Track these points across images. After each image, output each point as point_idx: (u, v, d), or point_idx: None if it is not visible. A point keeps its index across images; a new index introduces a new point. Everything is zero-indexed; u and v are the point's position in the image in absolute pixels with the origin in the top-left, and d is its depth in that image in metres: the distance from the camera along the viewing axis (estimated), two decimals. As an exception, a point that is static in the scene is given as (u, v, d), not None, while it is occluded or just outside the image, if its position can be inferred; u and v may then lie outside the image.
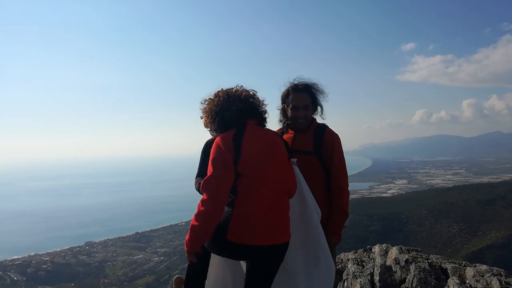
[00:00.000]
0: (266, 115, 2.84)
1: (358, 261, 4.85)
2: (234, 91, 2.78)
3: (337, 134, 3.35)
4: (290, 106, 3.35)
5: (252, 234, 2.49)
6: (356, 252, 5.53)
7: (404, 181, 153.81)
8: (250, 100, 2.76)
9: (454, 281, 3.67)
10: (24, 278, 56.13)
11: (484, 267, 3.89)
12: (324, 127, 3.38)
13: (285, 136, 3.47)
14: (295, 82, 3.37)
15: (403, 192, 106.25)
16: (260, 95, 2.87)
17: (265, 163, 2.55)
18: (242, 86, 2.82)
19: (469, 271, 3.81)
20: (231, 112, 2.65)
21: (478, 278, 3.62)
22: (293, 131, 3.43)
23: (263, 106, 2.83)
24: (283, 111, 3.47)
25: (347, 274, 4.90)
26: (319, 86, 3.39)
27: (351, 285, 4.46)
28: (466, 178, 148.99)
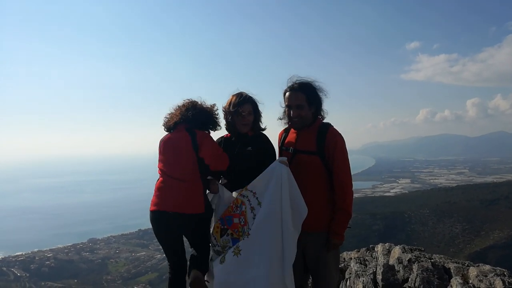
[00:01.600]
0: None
1: (361, 260, 4.85)
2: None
3: (340, 134, 3.31)
4: (285, 105, 3.38)
5: (156, 203, 3.34)
6: (358, 251, 5.53)
7: (408, 180, 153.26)
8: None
9: (457, 280, 3.66)
10: (28, 274, 56.34)
11: (487, 267, 3.88)
12: (327, 126, 3.33)
13: (288, 136, 3.48)
14: (291, 82, 3.36)
15: (406, 192, 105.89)
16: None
17: (161, 156, 3.47)
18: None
19: (472, 271, 3.81)
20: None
21: (481, 278, 3.61)
22: (295, 131, 3.43)
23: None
24: (285, 110, 3.46)
25: (350, 273, 4.90)
26: (317, 84, 3.35)
27: (354, 284, 4.46)
28: (470, 177, 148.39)
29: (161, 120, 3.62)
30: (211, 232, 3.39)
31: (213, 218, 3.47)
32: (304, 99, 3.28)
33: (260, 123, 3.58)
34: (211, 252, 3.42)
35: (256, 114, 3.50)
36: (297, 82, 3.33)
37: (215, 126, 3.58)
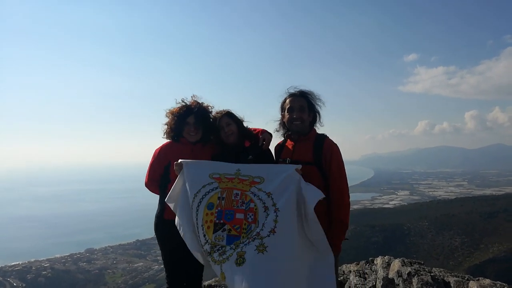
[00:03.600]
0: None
1: (360, 273, 4.83)
2: None
3: (336, 144, 3.35)
4: (286, 109, 3.43)
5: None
6: (358, 264, 5.50)
7: (406, 192, 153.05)
8: None
9: (457, 295, 3.65)
10: (24, 285, 55.87)
11: (487, 281, 3.87)
12: (323, 137, 3.39)
13: (285, 148, 3.54)
14: (292, 90, 3.47)
15: (405, 204, 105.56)
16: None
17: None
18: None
19: (472, 285, 3.80)
20: None
21: (481, 293, 3.60)
22: (292, 142, 3.48)
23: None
24: (282, 121, 3.53)
25: (349, 286, 4.87)
26: (315, 94, 3.46)
27: (353, 297, 4.43)
28: (469, 190, 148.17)
29: (160, 129, 3.72)
30: (195, 223, 3.02)
31: (180, 203, 3.23)
32: (305, 104, 3.39)
33: (246, 128, 3.66)
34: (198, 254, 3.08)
35: (236, 121, 3.60)
36: (297, 90, 3.44)
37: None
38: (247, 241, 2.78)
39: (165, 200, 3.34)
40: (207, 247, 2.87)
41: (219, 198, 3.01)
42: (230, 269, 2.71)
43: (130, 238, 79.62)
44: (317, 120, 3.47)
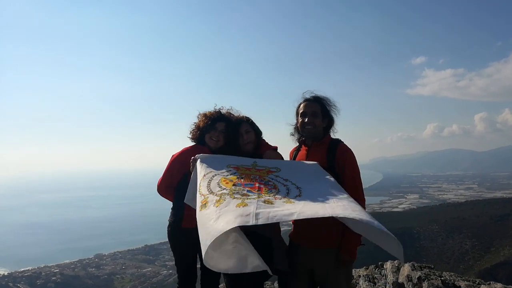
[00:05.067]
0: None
1: (370, 278, 4.77)
2: None
3: (350, 149, 3.32)
4: (300, 114, 3.43)
5: None
6: (367, 269, 5.45)
7: (416, 195, 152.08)
8: None
9: (469, 299, 3.59)
10: (34, 290, 56.23)
11: (499, 285, 3.81)
12: (337, 141, 3.37)
13: (299, 153, 3.52)
14: (307, 95, 3.46)
15: (415, 207, 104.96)
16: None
17: None
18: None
19: (484, 290, 3.74)
20: None
21: (494, 297, 3.54)
22: (306, 147, 3.47)
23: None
24: (296, 126, 3.52)
25: (358, 291, 4.81)
26: (330, 100, 3.44)
27: (363, 302, 4.38)
28: (479, 193, 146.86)
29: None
30: (208, 180, 2.93)
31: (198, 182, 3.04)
32: (319, 109, 3.38)
33: (262, 140, 3.68)
34: (199, 201, 2.75)
35: (255, 130, 3.63)
36: (312, 95, 3.44)
37: None
38: (273, 197, 2.63)
39: (184, 200, 3.24)
40: (223, 191, 2.70)
41: (238, 177, 2.96)
42: (254, 202, 2.50)
43: (139, 243, 79.94)
44: (332, 125, 3.46)
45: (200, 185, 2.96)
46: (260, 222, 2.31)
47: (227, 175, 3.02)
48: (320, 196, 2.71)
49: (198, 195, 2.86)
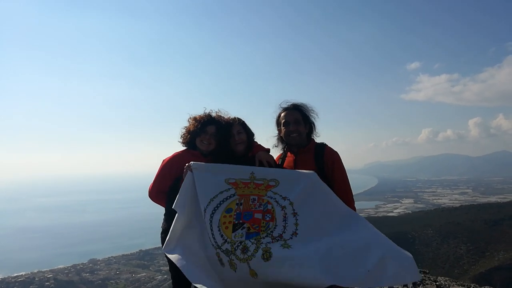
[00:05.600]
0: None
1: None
2: None
3: (336, 152, 3.38)
4: (282, 123, 3.48)
5: None
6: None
7: (411, 200, 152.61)
8: None
9: (462, 303, 3.61)
10: (27, 295, 55.72)
11: (492, 289, 3.83)
12: (323, 145, 3.42)
13: (286, 161, 3.55)
14: (284, 104, 3.54)
15: (410, 212, 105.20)
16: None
17: None
18: None
19: (478, 293, 3.76)
20: None
21: (487, 301, 3.56)
22: (293, 155, 3.50)
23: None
24: (279, 136, 3.57)
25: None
26: (308, 106, 3.52)
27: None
28: (473, 197, 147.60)
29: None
30: (209, 226, 2.96)
31: (189, 208, 3.16)
32: (300, 116, 3.45)
33: (253, 142, 3.68)
34: (213, 253, 2.94)
35: (247, 131, 3.63)
36: (290, 103, 3.52)
37: None
38: (270, 240, 2.74)
39: (173, 206, 3.21)
40: (227, 246, 2.81)
41: (237, 204, 3.01)
42: (259, 264, 2.67)
43: (133, 248, 79.43)
44: (313, 130, 3.53)
45: (204, 223, 3.01)
46: None
47: (227, 202, 3.03)
48: (316, 235, 2.78)
49: (207, 238, 2.98)
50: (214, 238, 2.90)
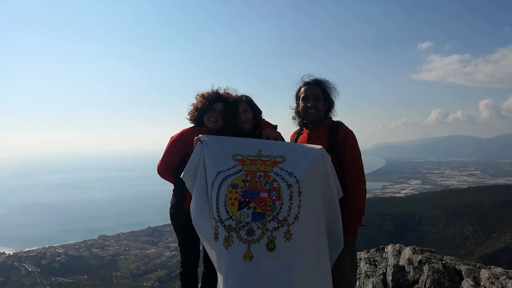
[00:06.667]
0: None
1: (370, 261, 4.82)
2: None
3: (351, 131, 3.32)
4: (301, 98, 3.40)
5: None
6: (368, 252, 5.50)
7: (418, 181, 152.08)
8: None
9: (469, 283, 3.63)
10: (39, 270, 56.99)
11: (499, 269, 3.84)
12: (339, 124, 3.36)
13: (300, 136, 3.51)
14: (306, 78, 3.44)
15: (417, 193, 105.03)
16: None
17: None
18: None
19: (484, 273, 3.77)
20: None
21: (493, 281, 3.58)
22: (307, 130, 3.46)
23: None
24: (297, 110, 3.51)
25: (359, 273, 4.87)
26: (330, 83, 3.43)
27: (364, 284, 4.44)
28: (482, 179, 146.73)
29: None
30: (215, 199, 2.98)
31: (201, 179, 3.20)
32: (320, 92, 3.37)
33: (260, 119, 3.66)
34: (212, 226, 2.99)
35: (254, 109, 3.60)
36: (312, 78, 3.42)
37: None
38: (276, 224, 2.75)
39: (181, 175, 3.27)
40: (231, 222, 2.82)
41: (243, 180, 2.98)
42: (260, 251, 2.71)
43: (142, 225, 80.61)
44: (332, 108, 3.45)
45: (210, 195, 3.04)
46: None
47: (233, 179, 3.02)
48: (310, 227, 2.87)
49: (209, 211, 3.04)
50: (218, 212, 2.91)
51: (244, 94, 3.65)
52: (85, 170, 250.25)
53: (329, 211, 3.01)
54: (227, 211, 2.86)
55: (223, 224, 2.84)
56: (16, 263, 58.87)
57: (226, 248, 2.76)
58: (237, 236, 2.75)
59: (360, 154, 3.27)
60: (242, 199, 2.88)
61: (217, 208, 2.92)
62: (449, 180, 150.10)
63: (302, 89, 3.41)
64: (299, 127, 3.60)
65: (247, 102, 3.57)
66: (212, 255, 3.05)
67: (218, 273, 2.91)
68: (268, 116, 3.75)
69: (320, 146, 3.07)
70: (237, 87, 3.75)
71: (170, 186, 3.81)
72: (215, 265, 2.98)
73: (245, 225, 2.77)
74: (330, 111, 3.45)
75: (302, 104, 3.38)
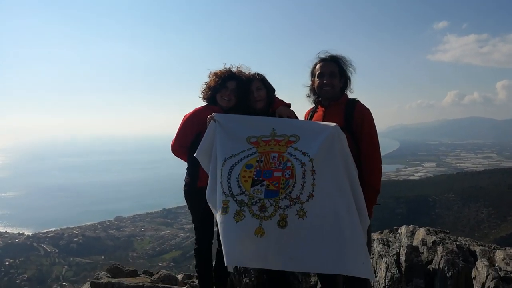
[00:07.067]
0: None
1: (384, 241, 4.83)
2: None
3: (368, 109, 3.27)
4: (316, 74, 3.34)
5: None
6: (381, 233, 5.50)
7: (433, 164, 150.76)
8: None
9: (483, 263, 3.63)
10: (57, 250, 58.31)
11: (514, 250, 3.83)
12: (355, 101, 3.31)
13: (316, 114, 3.47)
14: (322, 54, 3.37)
15: (431, 175, 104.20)
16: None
17: None
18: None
19: (499, 254, 3.77)
20: None
21: (508, 262, 3.58)
22: (323, 108, 3.41)
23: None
24: (312, 87, 3.45)
25: (372, 254, 4.88)
26: (346, 59, 3.36)
27: (377, 264, 4.46)
28: (498, 162, 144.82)
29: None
30: (226, 175, 2.99)
31: (213, 158, 3.22)
32: (336, 69, 3.30)
33: (274, 97, 3.65)
34: (220, 201, 2.96)
35: (267, 87, 3.59)
36: (328, 54, 3.35)
37: None
38: (288, 202, 2.76)
39: (195, 154, 3.32)
40: (243, 197, 2.83)
41: (257, 161, 3.00)
42: (271, 228, 2.72)
43: (157, 207, 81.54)
44: (348, 85, 3.40)
45: (222, 171, 3.03)
46: (271, 267, 2.90)
47: (248, 159, 3.03)
48: (327, 202, 2.85)
49: (219, 186, 3.01)
50: (229, 187, 2.91)
51: (257, 72, 3.62)
52: (101, 153, 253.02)
53: (351, 188, 2.98)
54: (240, 187, 2.89)
55: (235, 199, 2.85)
56: (35, 244, 60.23)
57: (237, 222, 2.77)
58: (249, 211, 2.77)
59: (376, 132, 3.24)
60: (255, 178, 2.90)
61: (228, 183, 2.93)
62: (464, 163, 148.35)
63: (318, 66, 3.34)
64: (313, 105, 3.55)
65: (261, 80, 3.55)
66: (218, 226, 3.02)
67: (222, 245, 2.90)
68: (284, 90, 3.51)
69: (334, 124, 3.03)
70: (253, 65, 3.70)
71: (184, 169, 3.84)
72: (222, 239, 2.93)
73: (258, 201, 2.79)
74: (345, 88, 3.40)
75: (318, 81, 3.32)
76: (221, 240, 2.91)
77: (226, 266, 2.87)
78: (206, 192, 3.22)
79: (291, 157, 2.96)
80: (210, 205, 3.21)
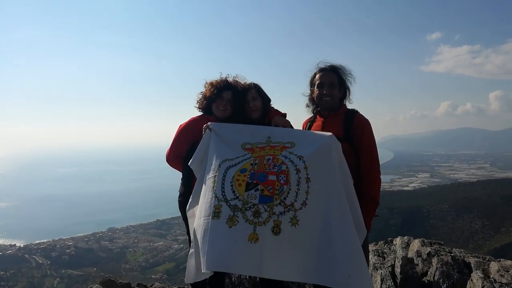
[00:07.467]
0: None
1: (378, 253, 4.82)
2: None
3: (367, 120, 3.25)
4: (316, 84, 3.33)
5: None
6: (376, 244, 5.49)
7: (427, 174, 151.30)
8: None
9: (478, 275, 3.62)
10: (49, 262, 57.60)
11: (508, 262, 3.83)
12: (354, 112, 3.30)
13: (314, 124, 3.45)
14: (322, 65, 3.37)
15: (425, 186, 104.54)
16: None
17: None
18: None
19: (494, 266, 3.76)
20: None
21: (503, 273, 3.57)
22: (322, 118, 3.40)
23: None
24: (311, 97, 3.45)
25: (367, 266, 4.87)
26: (346, 69, 3.35)
27: (372, 276, 4.44)
28: (491, 172, 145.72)
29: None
30: (220, 180, 2.93)
31: (206, 164, 3.18)
32: (336, 79, 3.30)
33: (269, 107, 3.63)
34: (212, 205, 2.87)
35: (263, 97, 3.58)
36: (328, 64, 3.35)
37: None
38: (282, 209, 2.71)
39: (189, 163, 3.29)
40: (237, 202, 2.78)
41: (251, 164, 2.95)
42: (266, 234, 2.66)
43: (151, 218, 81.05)
44: (347, 96, 3.39)
45: (215, 177, 2.98)
46: (264, 275, 2.79)
47: (242, 164, 2.98)
48: (319, 212, 2.79)
49: (211, 191, 2.94)
50: (223, 192, 2.86)
51: (253, 82, 3.62)
52: (94, 163, 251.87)
53: (347, 198, 2.93)
54: (234, 191, 2.84)
55: (228, 204, 2.79)
56: (26, 255, 59.50)
57: (230, 227, 2.71)
58: (242, 217, 2.71)
59: (375, 144, 3.23)
60: (250, 181, 2.85)
61: (222, 187, 2.88)
62: (458, 174, 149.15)
63: (318, 76, 3.34)
64: (312, 115, 3.54)
65: (256, 90, 3.54)
66: (199, 230, 2.91)
67: (206, 248, 2.77)
68: (279, 100, 3.70)
69: (330, 133, 3.01)
70: (250, 74, 3.73)
71: (179, 180, 3.81)
72: (198, 237, 2.87)
73: (252, 206, 2.74)
74: (345, 98, 3.39)
75: (317, 91, 3.32)
76: (204, 244, 2.79)
77: (209, 272, 2.77)
78: (191, 196, 3.20)
79: (286, 159, 2.91)
80: (188, 210, 3.21)
